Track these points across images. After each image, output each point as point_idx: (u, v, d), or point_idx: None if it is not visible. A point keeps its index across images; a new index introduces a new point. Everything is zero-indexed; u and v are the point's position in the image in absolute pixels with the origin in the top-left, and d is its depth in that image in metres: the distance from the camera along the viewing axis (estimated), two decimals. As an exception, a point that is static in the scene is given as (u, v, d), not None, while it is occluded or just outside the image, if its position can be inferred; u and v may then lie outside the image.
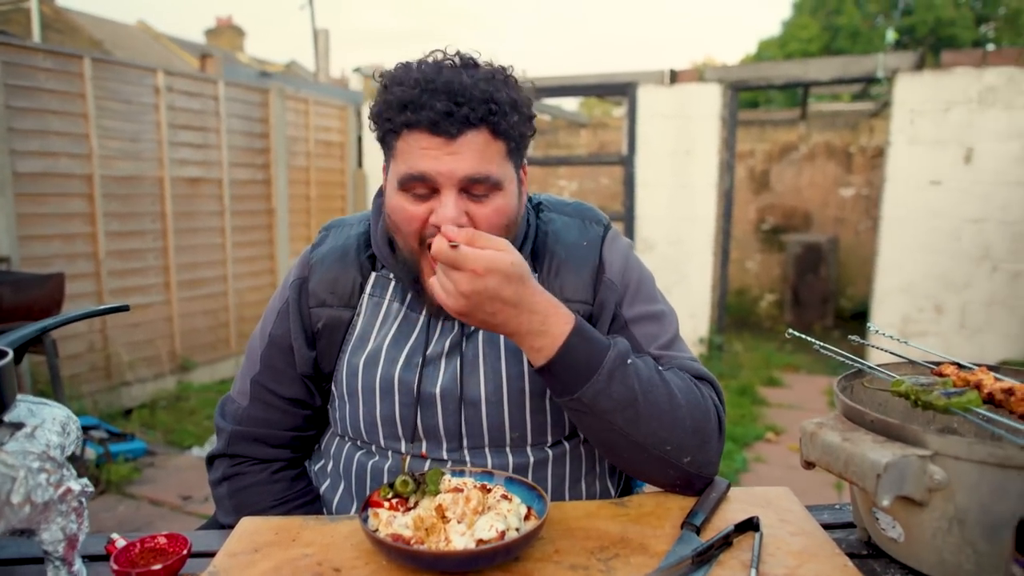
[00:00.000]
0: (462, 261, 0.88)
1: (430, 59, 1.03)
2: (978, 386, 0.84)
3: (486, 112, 0.97)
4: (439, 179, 0.98)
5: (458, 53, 1.04)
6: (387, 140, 1.04)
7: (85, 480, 0.81)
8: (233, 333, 5.73)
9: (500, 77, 1.01)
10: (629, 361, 0.98)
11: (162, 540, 0.89)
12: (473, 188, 1.00)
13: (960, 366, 0.92)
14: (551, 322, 0.94)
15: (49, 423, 0.82)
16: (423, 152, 0.98)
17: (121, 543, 0.89)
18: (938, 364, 0.95)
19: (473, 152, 0.98)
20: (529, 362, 0.99)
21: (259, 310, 5.62)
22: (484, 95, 0.97)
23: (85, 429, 3.92)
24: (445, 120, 0.96)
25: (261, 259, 6.02)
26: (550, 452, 1.11)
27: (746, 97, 13.69)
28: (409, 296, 1.13)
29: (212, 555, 0.89)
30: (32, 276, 3.66)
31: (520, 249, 1.13)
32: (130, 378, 4.86)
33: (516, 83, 1.04)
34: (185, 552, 0.86)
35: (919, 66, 5.20)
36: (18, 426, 0.79)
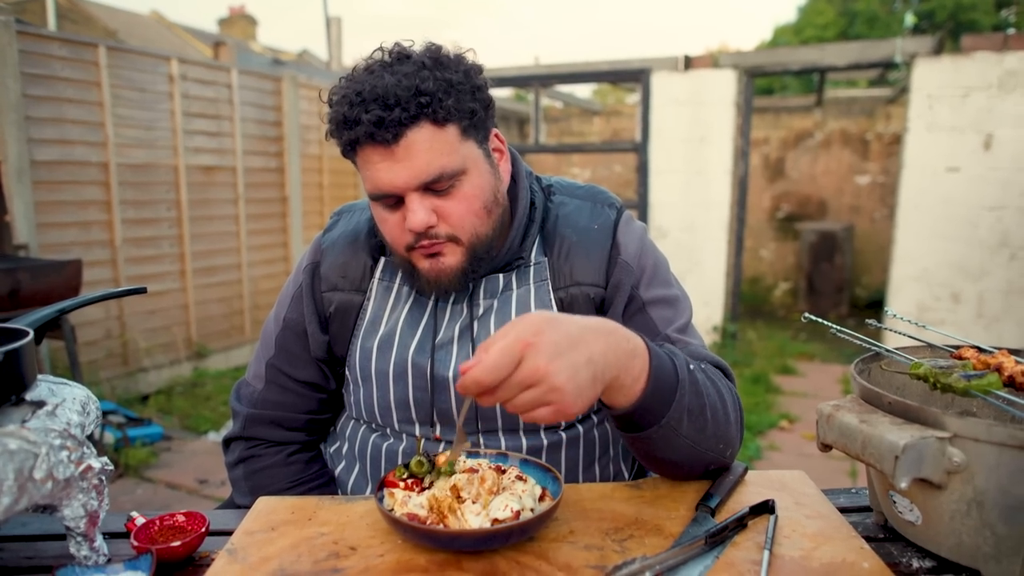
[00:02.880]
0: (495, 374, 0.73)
1: (364, 66, 1.00)
2: (998, 369, 0.83)
3: (418, 107, 0.94)
4: (396, 191, 0.98)
5: (396, 46, 1.01)
6: (347, 156, 1.03)
7: (105, 458, 0.83)
8: (248, 320, 5.77)
9: (429, 63, 0.97)
10: (692, 367, 0.94)
11: (181, 518, 0.90)
12: (434, 186, 0.98)
13: (980, 349, 0.91)
14: (627, 333, 0.85)
15: (69, 402, 0.83)
16: (375, 167, 0.98)
17: (141, 521, 0.91)
18: (957, 348, 0.94)
19: (421, 151, 0.96)
20: (612, 411, 0.88)
21: (273, 297, 5.66)
22: (410, 90, 0.94)
23: (103, 414, 3.97)
24: (380, 129, 0.94)
25: (275, 246, 6.05)
26: (563, 435, 1.12)
27: (761, 84, 13.56)
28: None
29: (229, 533, 0.90)
30: (50, 262, 3.70)
31: (528, 232, 1.13)
32: (147, 364, 4.91)
33: (450, 61, 1.00)
34: (203, 530, 0.87)
35: (938, 51, 5.12)
36: (39, 404, 0.80)
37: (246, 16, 17.20)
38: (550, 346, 0.74)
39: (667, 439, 0.91)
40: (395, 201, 1.01)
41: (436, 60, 0.98)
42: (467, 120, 1.00)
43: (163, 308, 5.07)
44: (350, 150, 1.00)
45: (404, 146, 0.95)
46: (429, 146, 0.96)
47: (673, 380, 0.89)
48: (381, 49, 1.02)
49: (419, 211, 0.98)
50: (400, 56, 0.99)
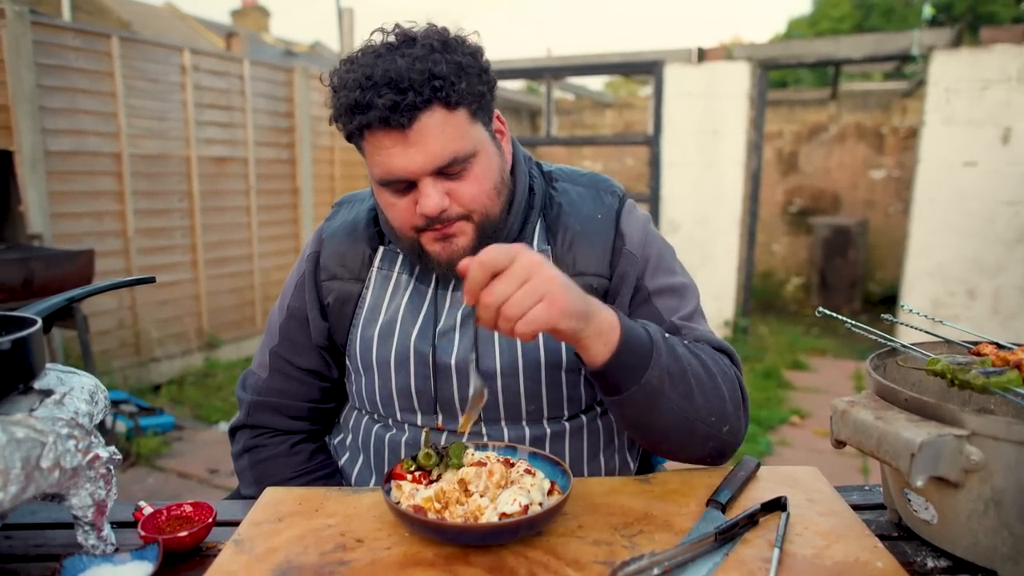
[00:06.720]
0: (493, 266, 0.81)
1: (369, 48, 0.98)
2: (1018, 366, 0.82)
3: (431, 91, 0.93)
4: (409, 176, 0.97)
5: (397, 28, 1.00)
6: (353, 141, 1.02)
7: (113, 448, 0.82)
8: (259, 311, 5.79)
9: (438, 46, 0.96)
10: (666, 336, 0.97)
11: (188, 508, 0.90)
12: (447, 170, 0.98)
13: (999, 346, 0.89)
14: (594, 302, 0.90)
15: (78, 391, 0.82)
16: (386, 152, 0.96)
17: (148, 510, 0.91)
18: (975, 344, 0.92)
19: (434, 136, 0.95)
20: (587, 367, 0.92)
21: (284, 289, 5.67)
22: (423, 73, 0.93)
23: (115, 403, 4.00)
24: (394, 114, 0.93)
25: (286, 238, 6.06)
26: (567, 425, 1.11)
27: (774, 77, 13.43)
28: (417, 269, 1.13)
29: (237, 524, 0.90)
30: (63, 252, 3.72)
31: (527, 219, 1.12)
32: (159, 354, 4.94)
33: (457, 43, 0.99)
34: (210, 520, 0.87)
35: (956, 43, 5.04)
36: (47, 393, 0.80)
37: (259, 7, 17.22)
38: (538, 256, 0.84)
39: (652, 400, 0.92)
40: (405, 186, 1.00)
41: (444, 43, 0.97)
42: (476, 103, 0.99)
43: (175, 298, 5.10)
44: (358, 135, 0.99)
45: (417, 130, 0.95)
46: (442, 130, 0.96)
47: (646, 339, 0.93)
48: (382, 31, 1.00)
49: (433, 195, 0.97)
50: (406, 39, 0.98)
